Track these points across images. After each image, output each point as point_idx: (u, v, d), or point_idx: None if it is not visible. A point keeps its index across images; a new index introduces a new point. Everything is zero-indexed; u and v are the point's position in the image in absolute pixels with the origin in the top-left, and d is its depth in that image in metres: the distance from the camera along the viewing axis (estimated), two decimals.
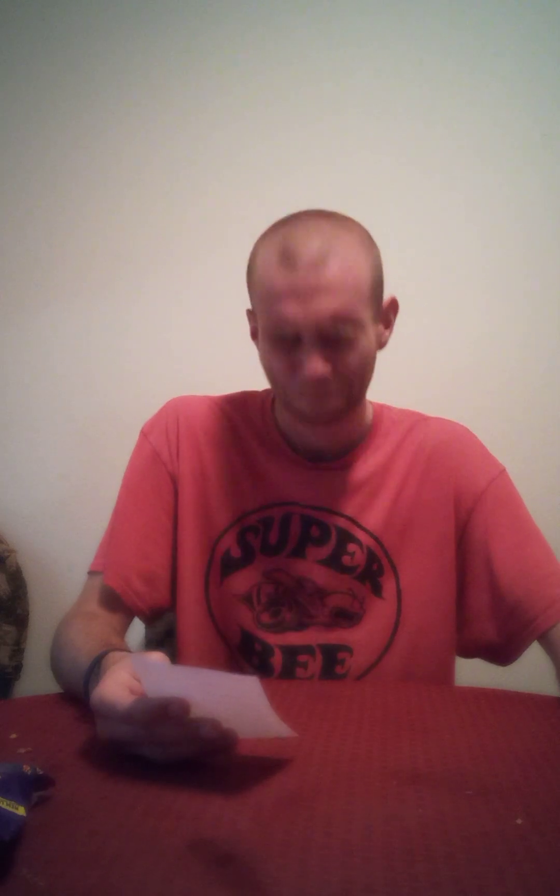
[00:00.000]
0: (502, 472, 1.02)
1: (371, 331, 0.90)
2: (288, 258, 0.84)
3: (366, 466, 1.00)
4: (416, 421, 1.04)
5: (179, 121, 1.90)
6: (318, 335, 0.85)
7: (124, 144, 1.91)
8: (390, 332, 0.97)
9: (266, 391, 1.07)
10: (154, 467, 1.01)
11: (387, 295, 0.95)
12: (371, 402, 1.05)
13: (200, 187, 1.89)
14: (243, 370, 1.14)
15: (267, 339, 0.89)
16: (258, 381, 1.07)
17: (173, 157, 1.90)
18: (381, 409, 1.05)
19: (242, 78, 1.87)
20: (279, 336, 0.86)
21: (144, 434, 1.03)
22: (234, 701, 0.61)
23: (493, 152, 1.81)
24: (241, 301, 1.03)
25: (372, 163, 1.83)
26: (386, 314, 0.95)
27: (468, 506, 0.99)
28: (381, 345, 0.95)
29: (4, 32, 1.93)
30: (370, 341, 0.90)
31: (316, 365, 0.85)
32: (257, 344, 0.95)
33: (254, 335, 0.97)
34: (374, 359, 0.93)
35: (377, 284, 0.91)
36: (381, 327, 0.94)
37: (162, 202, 1.90)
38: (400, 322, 1.01)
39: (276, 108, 1.87)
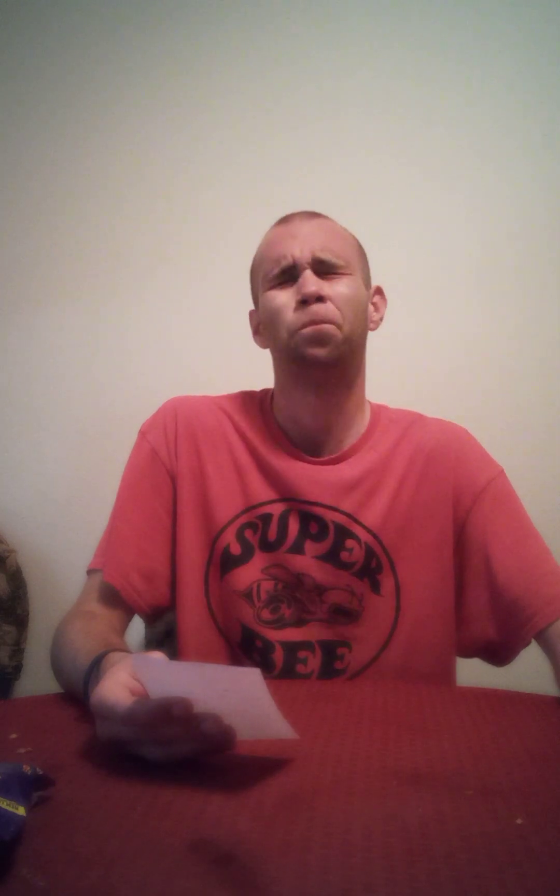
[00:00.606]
0: (501, 472, 1.02)
1: (360, 282, 0.98)
2: (285, 218, 1.00)
3: (363, 463, 1.00)
4: (414, 420, 1.05)
5: (180, 121, 1.90)
6: (312, 262, 0.95)
7: (124, 145, 1.91)
8: (381, 317, 1.04)
9: (263, 390, 1.07)
10: (153, 466, 1.01)
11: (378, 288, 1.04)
12: (369, 401, 1.06)
13: (201, 188, 1.89)
14: (244, 371, 1.15)
15: (268, 286, 0.97)
16: (259, 382, 1.08)
17: (174, 157, 1.90)
18: (378, 408, 1.06)
19: (242, 78, 1.88)
20: (278, 271, 0.95)
21: (143, 433, 1.04)
22: (235, 695, 0.61)
23: (493, 152, 1.81)
24: (243, 300, 1.04)
25: (372, 163, 1.83)
26: (373, 296, 1.03)
27: (467, 505, 0.99)
28: (373, 323, 1.03)
29: (4, 33, 1.93)
30: (359, 288, 0.98)
31: (310, 283, 0.93)
32: (258, 338, 1.03)
33: (256, 331, 1.03)
34: (365, 311, 0.99)
35: (363, 257, 1.02)
36: (370, 308, 1.02)
37: (162, 203, 1.90)
38: (399, 321, 1.02)
39: (276, 109, 1.87)
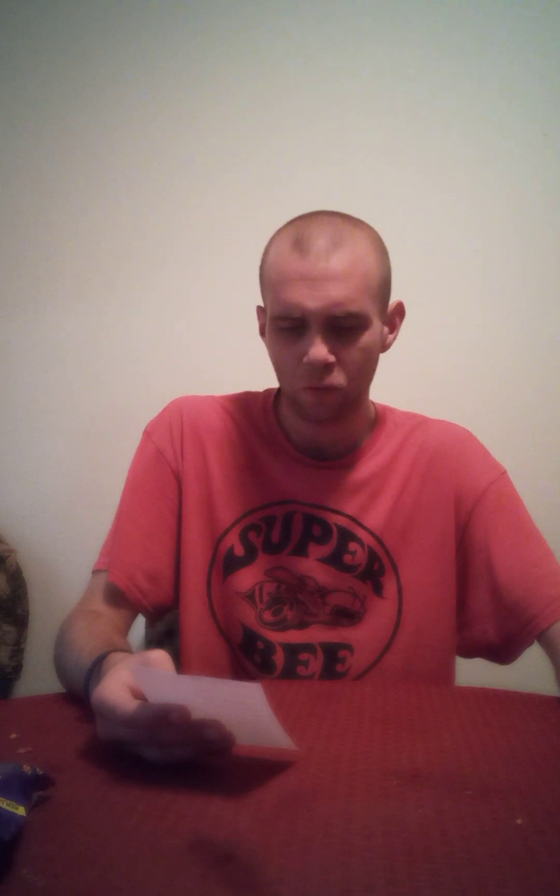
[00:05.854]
0: (503, 473, 1.02)
1: (376, 328, 0.91)
2: (300, 246, 0.87)
3: (368, 466, 1.00)
4: (419, 423, 1.05)
5: (181, 121, 1.90)
6: (325, 321, 0.86)
7: (126, 146, 1.91)
8: (395, 337, 0.98)
9: (267, 391, 1.07)
10: (158, 466, 1.01)
11: (394, 299, 0.96)
12: (374, 403, 1.05)
13: (202, 188, 1.89)
14: (247, 370, 1.15)
15: (274, 328, 0.91)
16: (263, 381, 1.08)
17: (175, 158, 1.90)
18: (384, 411, 1.05)
19: (243, 79, 1.87)
20: (287, 320, 0.88)
21: (148, 433, 1.04)
22: (235, 707, 0.61)
23: (493, 152, 1.81)
24: (246, 300, 1.03)
25: (372, 163, 1.83)
26: (392, 317, 0.97)
27: (469, 507, 0.99)
28: (385, 347, 0.97)
29: (4, 32, 1.93)
30: (374, 338, 0.91)
31: (320, 349, 0.86)
32: (265, 340, 0.96)
33: (262, 332, 0.98)
34: (376, 359, 0.94)
35: (385, 284, 0.93)
36: (385, 329, 0.95)
37: (164, 203, 1.90)
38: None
39: (277, 109, 1.87)
